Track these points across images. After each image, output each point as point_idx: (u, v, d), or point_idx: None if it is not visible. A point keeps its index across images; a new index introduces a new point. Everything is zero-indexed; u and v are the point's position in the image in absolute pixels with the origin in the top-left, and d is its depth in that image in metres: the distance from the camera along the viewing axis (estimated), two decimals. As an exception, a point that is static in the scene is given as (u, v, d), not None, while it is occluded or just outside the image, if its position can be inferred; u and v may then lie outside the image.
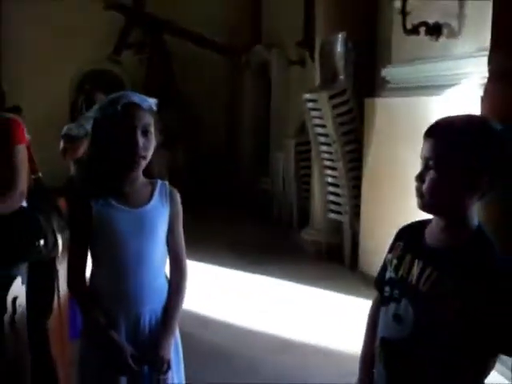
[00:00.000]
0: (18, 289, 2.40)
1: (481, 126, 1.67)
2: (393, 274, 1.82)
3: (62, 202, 2.93)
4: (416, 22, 4.95)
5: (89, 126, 2.11)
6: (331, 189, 6.50)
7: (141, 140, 2.00)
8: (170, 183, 2.19)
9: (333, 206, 6.52)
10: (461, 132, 1.63)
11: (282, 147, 8.25)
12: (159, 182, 2.16)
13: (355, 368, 2.02)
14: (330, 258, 6.46)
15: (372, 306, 1.98)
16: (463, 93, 4.41)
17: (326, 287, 5.62)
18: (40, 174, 3.05)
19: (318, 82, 6.60)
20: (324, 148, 6.39)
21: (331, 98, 6.05)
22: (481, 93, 4.23)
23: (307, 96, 6.33)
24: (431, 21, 4.87)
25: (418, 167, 1.68)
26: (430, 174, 1.64)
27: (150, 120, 2.04)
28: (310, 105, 6.29)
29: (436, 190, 1.64)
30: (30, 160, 2.90)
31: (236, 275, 6.13)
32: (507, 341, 1.58)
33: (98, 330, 2.07)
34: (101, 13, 9.01)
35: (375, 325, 1.90)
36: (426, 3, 4.99)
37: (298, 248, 6.93)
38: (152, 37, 9.64)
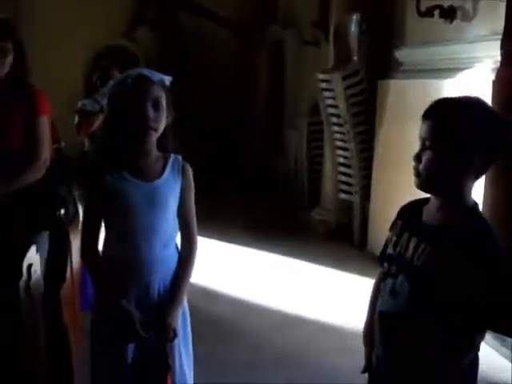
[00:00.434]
0: (33, 256, 2.49)
1: (476, 107, 1.72)
2: (391, 251, 1.90)
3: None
4: (430, 4, 4.96)
5: (104, 102, 2.18)
6: (342, 169, 6.55)
7: (151, 112, 2.07)
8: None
9: (343, 186, 6.58)
10: (456, 113, 1.69)
11: (295, 126, 8.28)
12: (172, 156, 2.23)
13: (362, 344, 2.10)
14: (340, 238, 6.51)
15: (376, 282, 2.06)
16: (475, 76, 4.43)
17: (334, 266, 5.70)
18: (63, 144, 3.13)
19: (331, 62, 6.62)
20: (336, 128, 6.43)
21: (344, 78, 6.07)
22: (493, 77, 4.27)
23: (320, 76, 6.35)
24: (446, 4, 4.88)
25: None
26: (427, 154, 1.71)
27: (160, 93, 2.11)
28: (323, 85, 6.32)
29: (432, 170, 1.71)
30: (53, 130, 2.98)
31: (246, 252, 6.22)
32: (495, 316, 1.64)
33: (108, 299, 2.17)
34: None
35: (377, 300, 1.98)
36: (441, -15, 4.99)
37: (307, 227, 6.99)
38: (166, 14, 9.67)
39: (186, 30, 9.70)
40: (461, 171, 1.69)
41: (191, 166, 2.28)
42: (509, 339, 4.13)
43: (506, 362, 3.95)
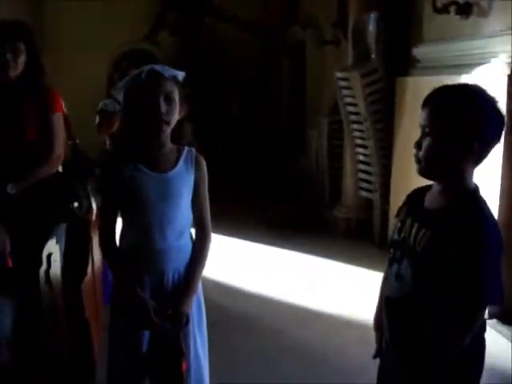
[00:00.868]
0: (53, 247, 2.60)
1: (474, 94, 1.77)
2: (396, 236, 1.95)
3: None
4: (446, 1, 4.98)
5: (119, 97, 2.27)
6: (362, 167, 6.59)
7: (163, 106, 2.16)
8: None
9: (363, 184, 6.62)
10: (454, 100, 1.74)
11: (316, 125, 8.33)
12: (186, 148, 2.31)
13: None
14: (361, 235, 6.55)
15: (386, 269, 2.10)
16: (491, 71, 4.45)
17: (353, 263, 5.75)
18: (77, 141, 3.25)
19: (351, 61, 6.67)
20: (355, 126, 6.47)
21: (363, 76, 6.11)
22: (508, 71, 4.29)
23: (339, 75, 6.40)
24: (461, 0, 4.90)
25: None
26: (427, 141, 1.76)
27: (173, 88, 2.19)
28: (342, 83, 6.36)
29: (432, 156, 1.76)
30: (67, 127, 3.10)
31: (267, 250, 6.30)
32: (487, 293, 1.69)
33: (124, 287, 2.25)
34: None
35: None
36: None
37: (329, 225, 7.03)
38: (188, 17, 9.78)
39: (208, 33, 9.81)
40: (460, 157, 1.74)
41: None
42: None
43: (505, 342, 4.02)
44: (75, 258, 2.99)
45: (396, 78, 6.00)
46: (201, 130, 7.95)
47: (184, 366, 2.20)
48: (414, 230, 1.84)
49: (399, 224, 1.95)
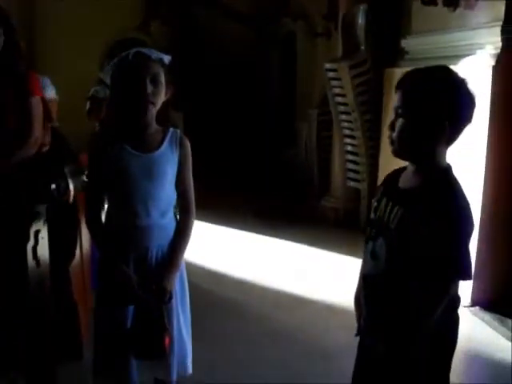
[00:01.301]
0: (41, 225, 2.65)
1: (443, 76, 1.82)
2: (373, 216, 2.02)
3: (85, 157, 3.16)
4: (434, -8, 5.04)
5: (107, 80, 2.32)
6: (350, 157, 6.66)
7: (150, 87, 2.21)
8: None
9: (351, 174, 6.69)
10: (424, 82, 1.80)
11: (305, 116, 8.39)
12: (171, 129, 2.37)
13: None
14: (348, 225, 6.61)
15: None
16: (477, 63, 4.52)
17: (340, 251, 5.82)
18: (56, 124, 3.30)
19: (340, 52, 6.72)
20: (344, 117, 6.54)
21: (351, 67, 6.18)
22: (493, 62, 4.36)
23: (328, 66, 6.45)
24: (449, -8, 4.96)
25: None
26: (399, 122, 1.82)
27: (159, 70, 2.25)
28: (331, 74, 6.42)
29: (404, 137, 1.82)
30: (46, 110, 3.13)
31: (254, 238, 6.38)
32: (457, 266, 1.76)
33: (109, 263, 2.31)
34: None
35: None
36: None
37: (317, 214, 7.10)
38: (180, 7, 9.83)
39: (199, 23, 9.85)
40: (431, 138, 1.80)
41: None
42: (509, 320, 4.25)
43: (505, 342, 4.03)
44: (61, 239, 3.03)
45: (384, 70, 6.06)
46: (190, 120, 8.00)
47: (167, 340, 2.26)
48: (388, 209, 1.90)
49: (375, 203, 2.01)
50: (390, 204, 1.90)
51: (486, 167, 4.36)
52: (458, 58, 4.79)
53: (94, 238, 2.44)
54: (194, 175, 2.44)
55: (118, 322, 2.32)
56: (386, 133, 5.62)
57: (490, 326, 4.26)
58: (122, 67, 2.25)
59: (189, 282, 2.53)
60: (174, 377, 2.43)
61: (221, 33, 9.70)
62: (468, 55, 4.69)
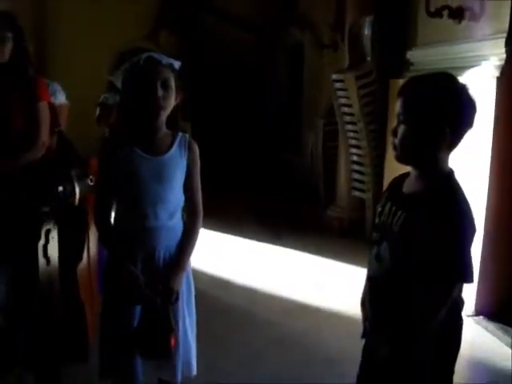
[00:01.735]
0: (51, 224, 2.70)
1: (444, 82, 1.87)
2: (377, 220, 2.06)
3: (95, 161, 3.21)
4: (440, 5, 5.09)
5: (118, 83, 2.38)
6: (355, 167, 6.71)
7: (160, 92, 2.26)
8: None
9: (357, 184, 6.73)
10: (425, 89, 1.85)
11: (312, 126, 8.44)
12: (180, 134, 2.41)
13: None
14: (353, 234, 6.63)
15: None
16: (482, 74, 4.56)
17: (345, 260, 5.85)
18: (62, 128, 3.35)
19: (346, 63, 6.78)
20: (350, 127, 6.59)
21: (358, 78, 6.23)
22: (497, 73, 4.40)
23: (335, 76, 6.51)
24: (454, 4, 5.00)
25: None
26: (401, 128, 1.87)
27: (169, 75, 2.30)
28: (338, 85, 6.48)
29: (406, 143, 1.87)
30: (53, 116, 3.19)
31: (259, 246, 6.41)
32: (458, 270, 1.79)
33: (117, 262, 2.35)
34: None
35: None
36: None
37: (322, 224, 7.13)
38: (189, 17, 9.92)
39: (207, 33, 9.93)
40: (433, 143, 1.84)
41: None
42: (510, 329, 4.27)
43: (508, 351, 4.05)
44: (69, 241, 3.08)
45: (390, 80, 6.10)
46: (198, 129, 8.05)
47: (173, 341, 2.29)
48: (392, 213, 1.94)
49: (380, 208, 2.06)
50: (394, 208, 1.94)
51: (490, 176, 4.40)
52: (462, 69, 4.83)
53: (103, 238, 2.48)
54: (201, 181, 2.49)
55: (124, 322, 2.35)
56: (391, 146, 5.68)
57: (494, 335, 4.28)
58: (134, 72, 2.30)
59: (195, 288, 2.57)
60: (179, 378, 2.46)
61: (229, 43, 9.77)
62: (473, 66, 4.73)
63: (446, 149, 1.86)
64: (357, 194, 6.76)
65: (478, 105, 1.85)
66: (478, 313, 4.49)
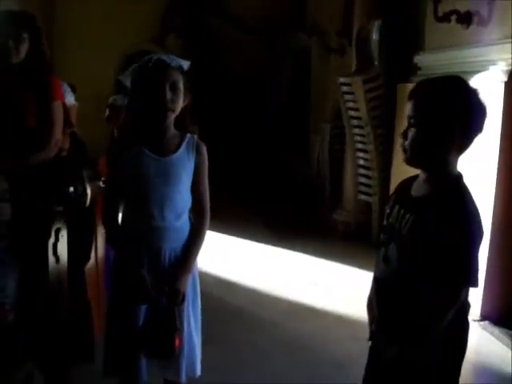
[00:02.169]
0: (61, 223, 2.72)
1: (454, 85, 1.87)
2: (385, 222, 2.07)
3: (103, 160, 3.22)
4: (447, 9, 5.10)
5: (127, 83, 2.39)
6: (362, 171, 6.72)
7: (169, 94, 2.28)
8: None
9: (363, 188, 6.74)
10: (436, 92, 1.85)
11: (319, 130, 8.45)
12: (188, 135, 2.42)
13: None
14: (360, 238, 6.63)
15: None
16: (490, 78, 4.56)
17: (351, 264, 5.86)
18: (75, 129, 3.38)
19: (354, 68, 6.80)
20: (357, 131, 6.60)
21: (365, 82, 6.25)
22: (505, 78, 4.41)
23: (342, 80, 6.53)
24: (462, 9, 5.01)
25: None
26: (411, 131, 1.88)
27: (178, 77, 2.31)
28: (345, 88, 6.49)
29: (416, 146, 1.87)
30: (66, 116, 3.21)
31: (266, 249, 6.43)
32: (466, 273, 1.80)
33: (124, 262, 2.37)
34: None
35: None
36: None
37: (328, 228, 7.14)
38: (195, 20, 9.96)
39: (213, 36, 9.96)
40: (443, 146, 1.84)
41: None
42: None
43: (506, 351, 4.07)
44: (78, 241, 3.10)
45: (397, 85, 6.11)
46: (205, 131, 8.06)
47: (177, 341, 2.29)
48: (400, 216, 1.95)
49: (388, 210, 2.06)
50: (402, 211, 1.94)
51: (496, 181, 4.40)
52: (470, 73, 4.83)
53: (110, 237, 2.50)
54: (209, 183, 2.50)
55: (129, 321, 2.36)
56: (398, 150, 5.70)
57: (499, 340, 4.27)
58: (142, 73, 2.31)
59: (201, 291, 2.57)
60: (183, 378, 2.46)
61: (235, 46, 9.80)
62: (480, 71, 4.73)
63: (456, 152, 1.86)
64: (363, 197, 6.77)
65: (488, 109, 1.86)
66: (483, 318, 4.49)
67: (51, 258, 2.56)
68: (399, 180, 2.17)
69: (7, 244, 2.69)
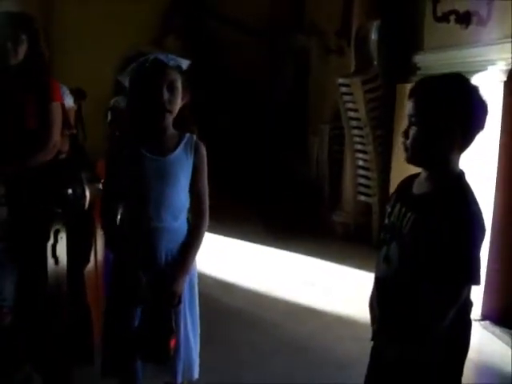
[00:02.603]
0: (60, 225, 2.71)
1: (456, 83, 1.87)
2: (386, 221, 2.06)
3: (101, 163, 3.21)
4: (446, 9, 5.09)
5: (125, 83, 2.38)
6: (361, 172, 6.71)
7: (166, 94, 2.26)
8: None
9: (362, 189, 6.73)
10: (437, 90, 1.85)
11: (317, 131, 8.44)
12: (187, 134, 2.40)
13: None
14: (359, 239, 6.61)
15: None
16: (489, 78, 4.56)
17: (350, 265, 5.85)
18: (74, 131, 3.37)
19: (353, 68, 6.79)
20: (356, 132, 6.59)
21: (364, 83, 6.24)
22: (505, 78, 4.41)
23: (341, 81, 6.52)
24: (461, 9, 5.00)
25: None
26: (413, 130, 1.87)
27: (175, 76, 2.29)
28: (344, 89, 6.48)
29: (417, 144, 1.86)
30: (65, 117, 3.20)
31: (265, 250, 6.42)
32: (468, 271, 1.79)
33: (121, 263, 2.36)
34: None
35: None
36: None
37: (327, 229, 7.13)
38: (194, 22, 9.96)
39: (212, 37, 9.96)
40: (443, 144, 1.84)
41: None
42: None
43: (507, 350, 4.08)
44: (77, 243, 3.09)
45: (396, 85, 6.11)
46: (204, 131, 8.05)
47: (172, 343, 2.27)
48: (401, 214, 1.94)
49: (389, 209, 2.05)
50: (404, 209, 1.94)
51: (497, 180, 4.40)
52: (469, 73, 4.81)
53: (108, 238, 2.48)
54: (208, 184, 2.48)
55: (126, 323, 2.34)
56: (397, 150, 5.71)
57: (501, 339, 4.27)
58: (140, 74, 2.29)
59: (200, 292, 2.55)
60: (179, 380, 2.44)
61: (235, 47, 9.80)
62: (480, 71, 4.72)
63: (457, 150, 1.86)
64: (363, 198, 6.75)
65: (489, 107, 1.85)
66: (484, 317, 4.48)
67: (50, 260, 2.55)
68: (399, 181, 2.16)
69: (6, 245, 2.68)
